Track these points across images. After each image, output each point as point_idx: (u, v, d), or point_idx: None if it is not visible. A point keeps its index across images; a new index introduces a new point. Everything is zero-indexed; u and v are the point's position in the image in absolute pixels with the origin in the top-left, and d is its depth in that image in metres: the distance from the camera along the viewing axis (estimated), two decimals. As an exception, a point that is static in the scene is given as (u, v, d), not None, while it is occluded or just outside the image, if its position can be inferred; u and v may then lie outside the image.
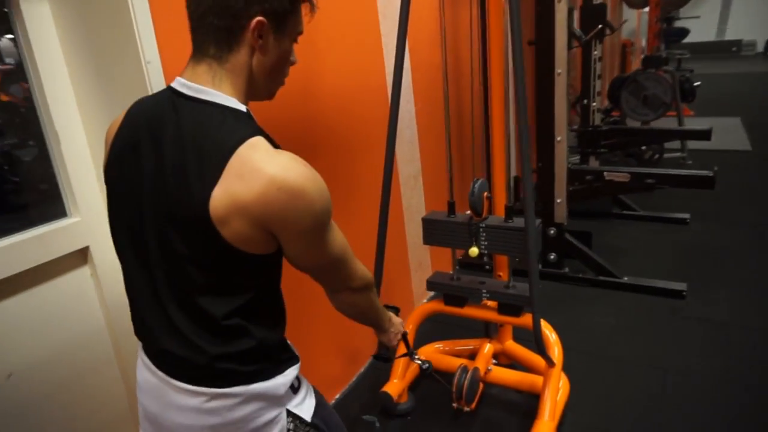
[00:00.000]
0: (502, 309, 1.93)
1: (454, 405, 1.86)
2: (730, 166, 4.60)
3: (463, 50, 2.93)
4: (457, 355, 2.17)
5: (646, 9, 5.84)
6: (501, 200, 1.97)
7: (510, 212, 1.84)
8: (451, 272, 2.05)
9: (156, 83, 1.24)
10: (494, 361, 2.13)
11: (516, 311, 1.90)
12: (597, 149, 3.60)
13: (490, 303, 1.98)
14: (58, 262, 1.27)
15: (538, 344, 1.75)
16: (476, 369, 1.91)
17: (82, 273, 1.34)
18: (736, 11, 13.84)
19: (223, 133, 0.78)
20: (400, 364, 2.03)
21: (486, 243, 1.86)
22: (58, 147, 1.27)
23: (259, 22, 0.81)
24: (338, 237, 0.91)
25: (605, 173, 2.79)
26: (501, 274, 2.10)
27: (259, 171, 0.75)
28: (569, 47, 2.66)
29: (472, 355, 2.13)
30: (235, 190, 0.74)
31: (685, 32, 6.43)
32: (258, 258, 0.82)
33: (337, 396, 2.13)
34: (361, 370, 2.26)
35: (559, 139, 2.72)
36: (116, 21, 1.20)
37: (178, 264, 0.81)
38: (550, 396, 1.78)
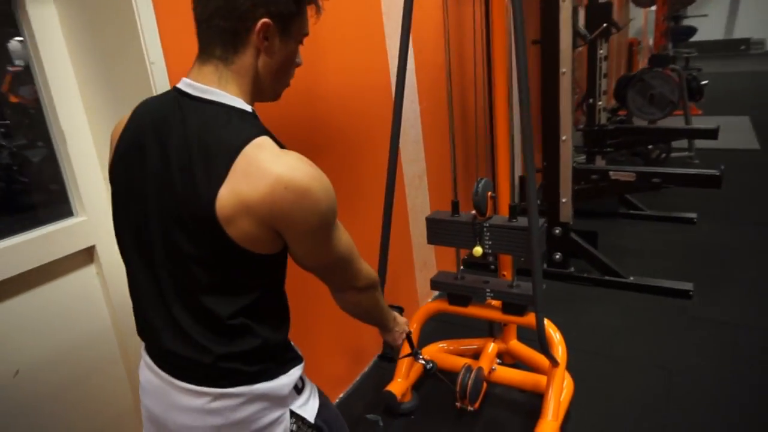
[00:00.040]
0: (506, 308, 1.93)
1: (458, 404, 1.86)
2: (738, 166, 4.57)
3: (468, 50, 2.93)
4: (461, 354, 2.17)
5: (654, 8, 5.81)
6: (505, 200, 1.97)
7: (514, 212, 1.83)
8: (455, 272, 2.05)
9: (160, 83, 1.25)
10: (498, 360, 2.13)
11: (520, 311, 1.90)
12: (603, 148, 3.59)
13: (494, 302, 1.98)
14: (64, 261, 1.28)
15: (541, 344, 1.75)
16: (480, 368, 1.91)
17: (88, 272, 1.35)
18: (745, 9, 13.73)
19: (229, 132, 0.78)
20: (404, 364, 2.03)
21: (490, 242, 1.86)
22: (64, 146, 1.29)
23: (264, 24, 0.82)
24: (344, 236, 0.91)
25: (611, 173, 2.78)
26: (505, 273, 2.10)
27: (266, 170, 0.75)
28: (574, 46, 2.65)
29: (476, 355, 2.13)
30: (241, 189, 0.75)
31: (692, 31, 6.38)
32: (264, 258, 0.83)
33: (341, 395, 2.13)
34: (366, 369, 2.27)
35: (564, 138, 2.71)
36: (121, 22, 1.21)
37: (184, 264, 0.81)
38: (553, 395, 1.77)
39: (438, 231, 1.97)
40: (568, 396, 1.91)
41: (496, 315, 1.97)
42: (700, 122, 5.00)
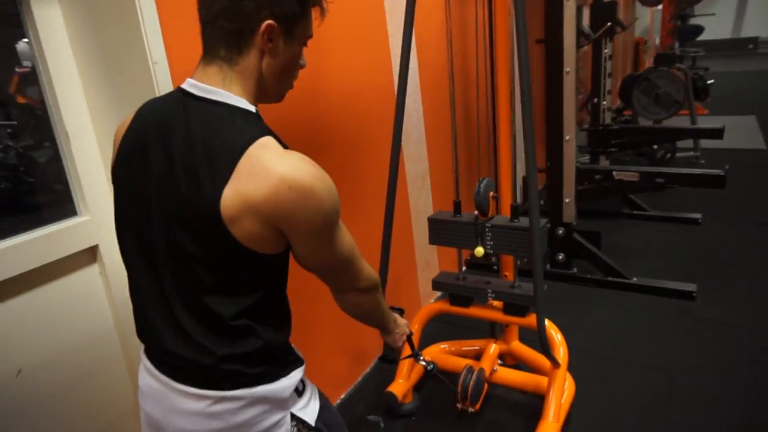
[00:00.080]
0: (508, 309, 1.93)
1: (459, 405, 1.86)
2: (744, 166, 4.54)
3: (471, 49, 2.92)
4: (463, 355, 2.17)
5: (660, 6, 5.77)
6: (507, 200, 1.97)
7: (516, 212, 1.83)
8: (456, 272, 2.05)
9: (163, 83, 1.25)
10: (500, 361, 2.12)
11: (521, 311, 1.90)
12: (607, 148, 3.58)
13: (495, 303, 1.98)
14: (67, 260, 1.29)
15: (542, 344, 1.75)
16: (481, 369, 1.90)
17: (91, 271, 1.36)
18: (753, 8, 13.62)
19: (233, 133, 0.79)
20: (405, 365, 2.04)
21: (491, 243, 1.86)
22: (68, 146, 1.29)
23: (269, 25, 0.82)
24: (346, 237, 0.92)
25: (614, 172, 2.77)
26: (507, 274, 2.09)
27: (270, 170, 0.76)
28: (578, 46, 2.65)
29: (477, 356, 2.13)
30: (245, 189, 0.75)
31: (699, 30, 6.34)
32: (267, 258, 0.83)
33: (343, 396, 2.14)
34: (367, 370, 2.27)
35: (567, 138, 2.71)
36: (124, 22, 1.22)
37: (187, 264, 0.81)
38: (555, 397, 1.77)
39: (440, 231, 1.97)
40: (570, 397, 1.90)
41: (498, 316, 1.97)
42: (706, 122, 4.98)
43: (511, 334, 2.16)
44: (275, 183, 0.75)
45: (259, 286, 0.85)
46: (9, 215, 1.50)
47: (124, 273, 0.94)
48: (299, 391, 0.94)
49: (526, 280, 1.89)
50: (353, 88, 2.04)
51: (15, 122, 1.64)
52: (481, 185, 1.81)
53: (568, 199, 2.81)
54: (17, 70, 1.35)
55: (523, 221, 1.79)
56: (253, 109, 0.85)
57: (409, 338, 1.31)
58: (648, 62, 7.46)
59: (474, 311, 2.01)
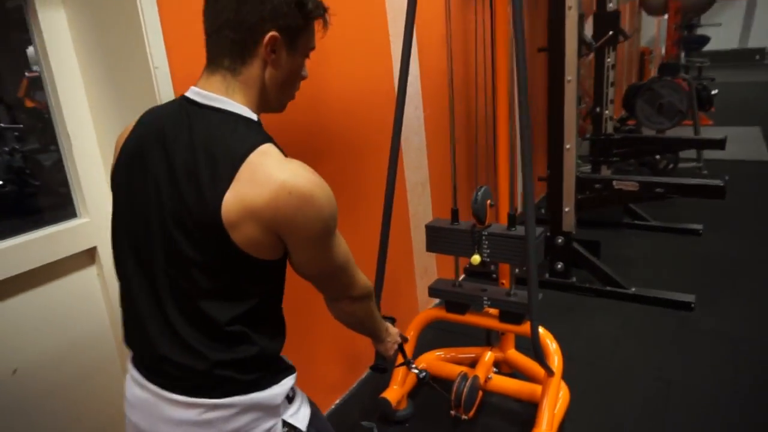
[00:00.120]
0: (503, 317, 1.93)
1: (452, 412, 1.86)
2: (748, 177, 4.53)
3: (474, 57, 2.94)
4: (459, 362, 2.17)
5: (666, 16, 5.78)
6: (505, 208, 1.98)
7: (512, 220, 1.84)
8: (453, 279, 2.06)
9: (164, 88, 1.27)
10: (495, 369, 2.13)
11: (517, 319, 1.90)
12: (609, 158, 3.58)
13: (491, 311, 1.98)
14: (66, 261, 1.31)
15: (536, 352, 1.75)
16: (476, 377, 1.91)
17: (89, 273, 1.38)
18: (760, 18, 13.59)
19: (235, 139, 0.80)
20: (399, 371, 2.04)
21: (488, 251, 1.86)
22: (69, 148, 1.31)
23: (272, 37, 0.84)
24: (342, 245, 0.93)
25: (614, 182, 2.77)
26: (504, 281, 2.10)
27: (271, 176, 0.77)
28: (579, 54, 2.66)
29: (473, 364, 2.13)
30: (246, 194, 0.77)
31: (705, 40, 6.34)
32: (265, 264, 0.84)
33: (337, 401, 2.14)
34: (362, 376, 2.27)
35: (568, 146, 2.71)
36: (126, 26, 1.24)
37: (185, 268, 0.82)
38: (548, 406, 1.77)
39: (437, 238, 1.98)
40: (564, 406, 1.90)
41: (494, 323, 1.97)
42: (710, 133, 4.98)
43: (508, 342, 2.16)
44: (276, 189, 0.77)
45: (256, 293, 0.86)
46: (13, 216, 1.52)
47: (120, 276, 0.95)
48: (290, 398, 0.94)
49: (523, 288, 1.89)
50: (354, 94, 2.06)
51: (21, 125, 1.67)
52: (479, 193, 1.83)
53: (568, 208, 2.81)
54: (26, 74, 1.38)
55: (520, 230, 1.80)
56: (255, 117, 0.87)
57: (401, 347, 1.32)
58: (653, 72, 7.45)
59: (470, 318, 2.01)
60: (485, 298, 1.94)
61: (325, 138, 1.93)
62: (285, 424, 0.92)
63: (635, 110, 4.34)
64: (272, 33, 0.84)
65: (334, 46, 1.91)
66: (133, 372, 0.93)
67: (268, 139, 0.83)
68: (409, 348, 2.01)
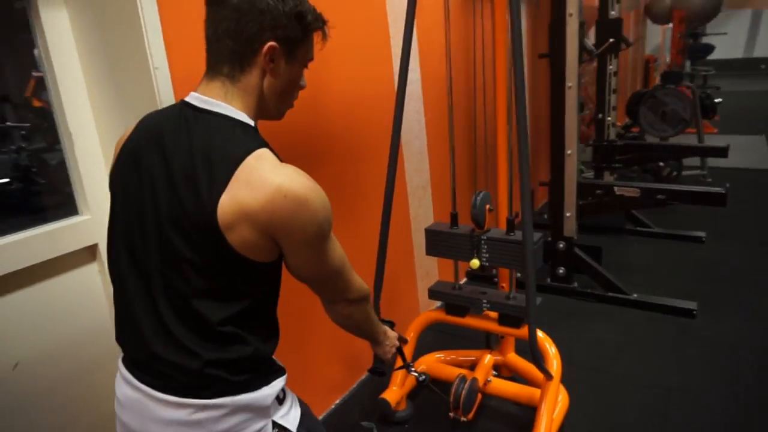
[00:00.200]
0: (503, 320, 1.94)
1: (451, 414, 1.86)
2: (752, 185, 4.52)
3: (478, 62, 2.96)
4: (458, 365, 2.17)
5: (670, 25, 5.79)
6: (504, 213, 1.98)
7: (511, 225, 1.85)
8: (453, 282, 2.06)
9: (164, 88, 1.29)
10: (494, 373, 2.13)
11: (516, 323, 1.91)
12: (611, 164, 3.58)
13: (491, 314, 1.99)
14: (67, 257, 1.33)
15: (533, 355, 1.75)
16: (474, 379, 1.91)
17: (90, 270, 1.40)
18: (766, 28, 13.56)
19: (232, 143, 0.82)
20: (400, 373, 2.05)
21: (487, 255, 1.87)
22: (71, 147, 1.33)
23: (271, 47, 0.86)
24: (337, 249, 0.94)
25: (615, 188, 2.77)
26: (504, 285, 2.11)
27: (266, 180, 0.79)
28: (580, 61, 2.67)
29: (473, 366, 2.13)
30: (242, 197, 0.78)
31: (709, 49, 6.35)
32: (260, 266, 0.85)
33: (337, 401, 2.15)
34: (363, 377, 2.28)
35: (569, 152, 2.72)
36: (127, 28, 1.26)
37: (179, 267, 0.83)
38: (546, 410, 1.77)
39: (436, 242, 1.99)
40: (563, 411, 1.90)
41: (493, 326, 1.97)
42: (714, 141, 4.96)
43: (507, 346, 2.16)
44: (271, 192, 0.78)
45: (250, 294, 0.87)
46: (19, 213, 1.55)
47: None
48: (280, 399, 0.95)
49: (523, 292, 1.89)
50: (355, 96, 2.07)
51: (28, 124, 1.70)
52: (478, 198, 1.84)
53: (569, 213, 2.82)
54: (34, 74, 1.40)
55: (519, 235, 1.80)
56: (252, 123, 0.89)
57: (400, 350, 1.32)
58: (658, 80, 7.45)
59: (469, 321, 2.02)
60: (484, 301, 1.94)
61: (326, 140, 1.94)
62: (275, 425, 0.92)
63: (638, 117, 4.34)
64: (271, 43, 0.86)
65: (334, 50, 1.93)
66: (123, 371, 0.93)
67: (264, 144, 0.85)
68: (408, 349, 2.02)
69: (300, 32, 0.89)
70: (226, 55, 0.87)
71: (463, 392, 1.84)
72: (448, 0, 1.89)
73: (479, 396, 1.93)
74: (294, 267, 0.91)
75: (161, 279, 0.86)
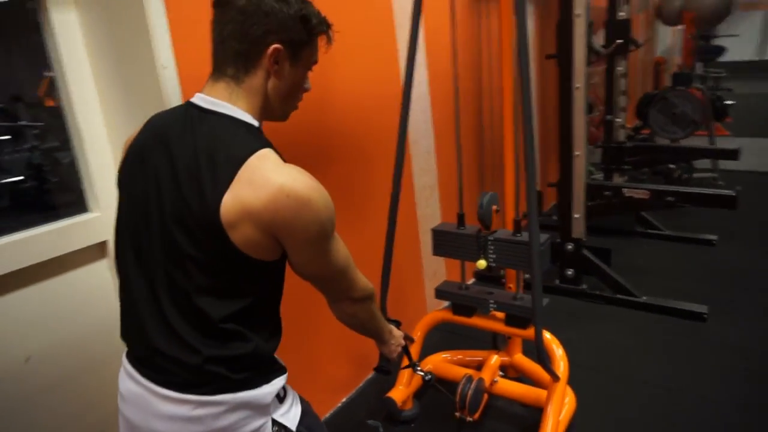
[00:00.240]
0: (510, 320, 1.93)
1: (457, 414, 1.86)
2: (764, 188, 4.47)
3: (485, 62, 2.96)
4: (465, 365, 2.17)
5: (681, 26, 5.74)
6: (511, 214, 1.98)
7: (518, 226, 1.84)
8: (460, 282, 2.06)
9: (171, 87, 1.31)
10: (501, 373, 2.12)
11: (523, 323, 1.90)
12: (620, 166, 3.56)
13: (498, 314, 1.98)
14: (78, 254, 1.35)
15: (539, 356, 1.75)
16: (481, 379, 1.90)
17: (100, 266, 1.42)
18: (780, 30, 13.41)
19: (236, 143, 0.84)
20: (406, 372, 2.05)
21: (494, 256, 1.87)
22: (81, 145, 1.36)
23: (275, 49, 0.88)
24: (341, 248, 0.95)
25: (624, 189, 2.75)
26: (511, 286, 2.10)
27: (269, 180, 0.80)
28: (588, 62, 2.66)
29: (479, 367, 2.13)
30: (245, 196, 0.79)
31: (720, 50, 6.28)
32: (263, 264, 0.86)
33: (344, 400, 2.15)
34: (369, 376, 2.28)
35: (577, 153, 2.71)
36: (135, 27, 1.28)
37: (182, 264, 0.85)
38: (553, 411, 1.76)
39: (443, 242, 1.99)
40: (569, 413, 1.89)
41: (499, 327, 1.97)
42: (725, 143, 4.90)
43: (515, 347, 2.16)
44: (274, 192, 0.80)
45: (252, 292, 0.88)
46: (32, 211, 1.57)
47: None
48: (280, 397, 0.95)
49: (530, 292, 1.89)
50: (362, 97, 2.08)
51: (42, 123, 1.73)
52: (485, 199, 1.84)
53: (578, 215, 2.80)
54: (46, 74, 1.43)
55: (526, 236, 1.80)
56: (256, 123, 0.90)
57: (406, 349, 1.33)
58: (669, 81, 7.38)
59: (476, 321, 2.02)
60: (491, 301, 1.94)
61: (333, 140, 1.96)
62: (275, 423, 0.93)
63: (648, 119, 4.31)
64: (275, 45, 0.88)
65: (341, 50, 1.94)
66: (127, 366, 0.95)
67: (267, 144, 0.86)
68: (415, 349, 2.02)
69: (304, 35, 0.91)
70: (231, 56, 0.88)
71: (470, 392, 1.84)
72: (454, 0, 1.89)
73: (485, 396, 1.93)
74: (297, 266, 0.92)
75: (165, 276, 0.87)
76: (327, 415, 2.07)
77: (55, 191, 1.66)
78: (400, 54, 2.27)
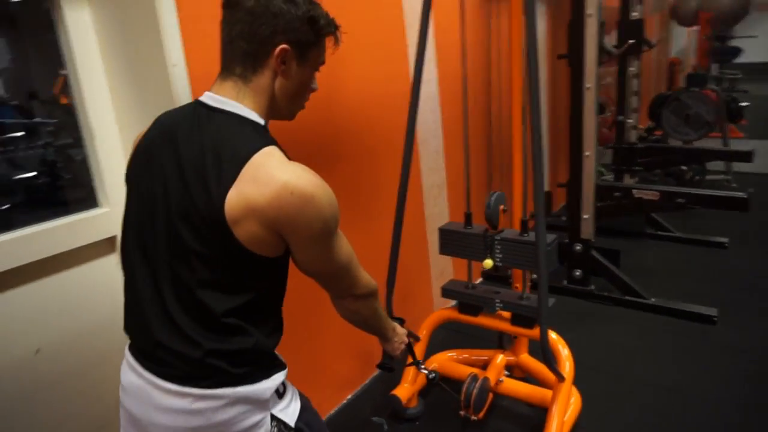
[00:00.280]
0: (516, 320, 1.93)
1: (461, 413, 1.86)
2: (779, 191, 4.40)
3: (494, 61, 2.96)
4: (471, 364, 2.17)
5: (696, 27, 5.68)
6: (518, 214, 1.98)
7: (525, 226, 1.84)
8: (466, 281, 2.07)
9: (181, 85, 1.33)
10: (507, 373, 2.12)
11: (529, 323, 1.90)
12: (632, 167, 3.53)
13: (504, 314, 1.99)
14: (87, 248, 1.37)
15: (545, 356, 1.75)
16: (486, 378, 1.91)
17: (110, 260, 1.44)
18: (799, 31, 13.19)
19: (241, 140, 0.85)
20: (411, 370, 2.06)
21: (501, 256, 1.87)
22: (92, 142, 1.38)
23: (283, 49, 0.89)
24: (345, 245, 0.96)
25: (634, 191, 2.74)
26: (517, 285, 2.10)
27: (273, 177, 0.81)
28: (600, 62, 2.65)
29: (485, 366, 2.13)
30: (249, 193, 0.81)
31: (736, 51, 6.20)
32: (266, 260, 0.87)
33: (349, 396, 2.17)
34: (375, 372, 2.30)
35: (587, 154, 2.70)
36: (146, 26, 1.30)
37: (186, 258, 0.86)
38: (558, 411, 1.76)
39: (450, 242, 1.99)
40: (575, 413, 1.89)
41: (505, 326, 1.97)
42: (739, 145, 4.85)
43: (521, 347, 2.16)
44: (278, 189, 0.81)
45: (255, 288, 0.89)
46: (45, 206, 1.60)
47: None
48: (280, 393, 0.96)
49: (536, 292, 1.89)
50: (371, 96, 2.09)
51: (56, 120, 1.76)
52: (492, 199, 1.84)
53: (587, 215, 2.79)
54: (61, 72, 1.45)
55: (533, 236, 1.80)
56: (262, 122, 0.92)
57: (410, 347, 1.33)
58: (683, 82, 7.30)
59: (482, 320, 2.02)
60: (497, 300, 1.94)
61: (341, 139, 1.97)
62: (273, 418, 0.94)
63: (661, 120, 4.27)
64: (283, 45, 0.89)
65: (350, 49, 1.95)
66: (129, 358, 0.96)
67: (272, 142, 0.87)
68: (421, 347, 2.03)
69: (312, 36, 0.92)
70: (239, 56, 0.90)
71: (474, 391, 1.84)
72: (463, 0, 1.90)
73: (490, 395, 1.93)
74: (301, 262, 0.93)
75: (169, 271, 0.88)
76: (332, 411, 2.08)
77: (67, 187, 1.69)
78: (410, 53, 2.27)
